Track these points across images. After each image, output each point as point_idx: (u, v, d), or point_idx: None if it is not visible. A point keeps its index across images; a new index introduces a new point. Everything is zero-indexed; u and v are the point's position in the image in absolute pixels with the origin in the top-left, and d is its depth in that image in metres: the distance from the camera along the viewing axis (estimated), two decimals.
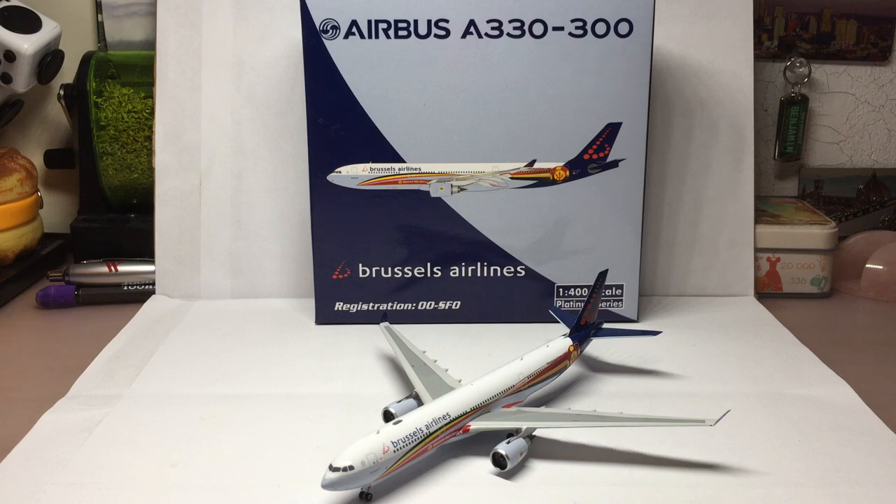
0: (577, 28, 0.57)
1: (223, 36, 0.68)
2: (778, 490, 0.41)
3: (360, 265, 0.61)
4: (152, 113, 0.71)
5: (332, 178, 0.59)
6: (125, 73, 0.75)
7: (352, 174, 0.59)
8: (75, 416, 0.48)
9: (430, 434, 0.41)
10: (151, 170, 0.71)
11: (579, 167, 0.59)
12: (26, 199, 0.72)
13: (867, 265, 0.72)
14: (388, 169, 0.59)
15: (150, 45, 0.72)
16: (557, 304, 0.62)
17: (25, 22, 0.70)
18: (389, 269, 0.61)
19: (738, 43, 0.70)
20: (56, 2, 0.77)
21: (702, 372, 0.55)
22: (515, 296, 0.62)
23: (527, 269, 0.62)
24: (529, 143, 0.59)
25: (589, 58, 0.58)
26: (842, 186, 0.83)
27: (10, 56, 0.69)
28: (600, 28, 0.57)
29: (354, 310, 0.62)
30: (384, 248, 0.61)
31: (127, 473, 0.42)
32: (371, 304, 0.62)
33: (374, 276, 0.61)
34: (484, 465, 0.43)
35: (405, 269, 0.61)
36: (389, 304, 0.62)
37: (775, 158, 0.82)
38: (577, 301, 0.62)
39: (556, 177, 0.59)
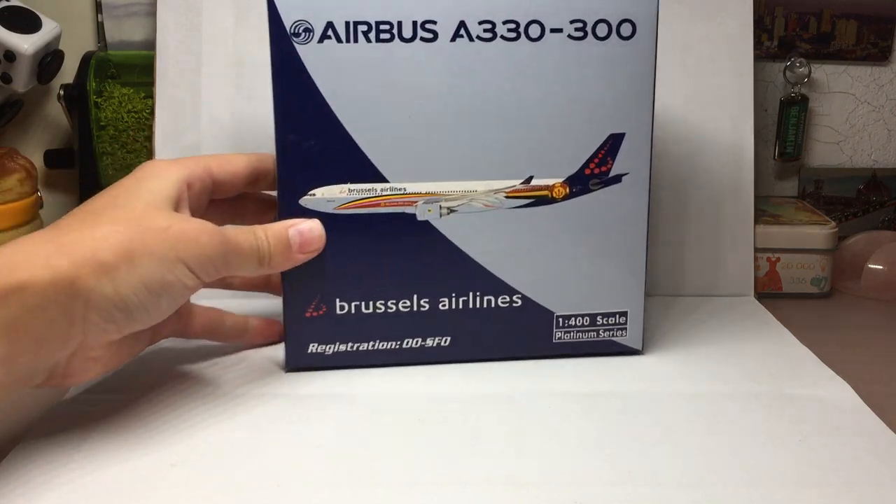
0: (576, 30, 0.53)
1: (223, 36, 0.68)
2: (778, 490, 0.41)
3: (338, 300, 0.54)
4: (152, 113, 0.71)
5: (306, 201, 0.52)
6: (125, 73, 0.75)
7: (328, 197, 0.52)
8: (75, 416, 0.48)
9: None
10: None
11: (580, 183, 0.54)
12: (26, 199, 0.72)
13: (867, 265, 0.72)
14: (369, 190, 0.53)
15: (150, 45, 0.72)
16: (558, 336, 0.57)
17: (25, 22, 0.70)
18: (371, 303, 0.54)
19: (738, 43, 0.70)
20: (56, 2, 0.77)
21: (702, 372, 0.55)
22: (512, 328, 0.56)
23: (524, 299, 0.56)
24: (526, 158, 0.54)
25: (590, 62, 0.53)
26: (842, 186, 0.83)
27: (10, 56, 0.69)
28: (601, 30, 0.53)
29: (331, 351, 0.55)
30: (365, 280, 0.54)
31: (127, 473, 0.42)
32: (350, 345, 0.55)
33: (353, 312, 0.54)
34: (484, 465, 0.43)
35: (388, 304, 0.54)
36: (371, 344, 0.55)
37: (775, 158, 0.82)
38: (578, 331, 0.57)
39: (555, 194, 0.54)
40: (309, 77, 0.51)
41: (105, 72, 0.74)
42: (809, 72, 0.79)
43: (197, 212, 0.50)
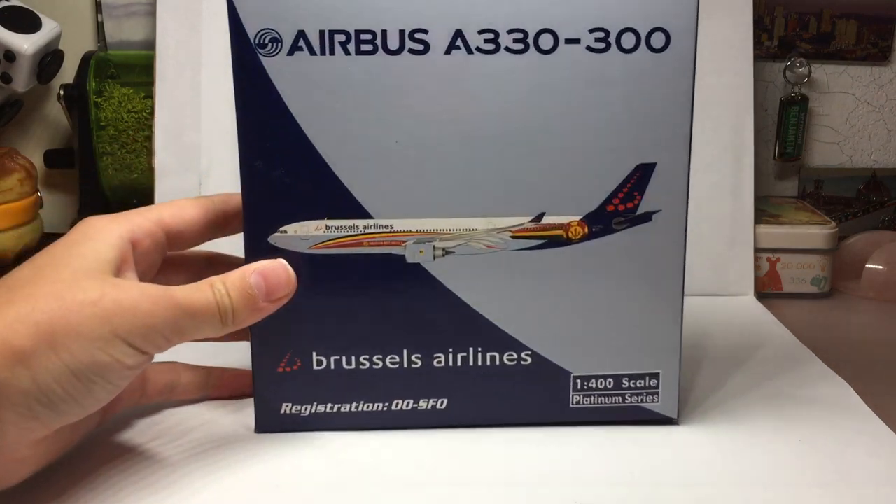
0: (597, 41, 0.44)
1: (223, 36, 0.68)
2: (778, 490, 0.41)
3: (314, 354, 0.46)
4: (152, 113, 0.71)
5: (275, 239, 0.44)
6: (125, 73, 0.75)
7: (301, 234, 0.45)
8: None
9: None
10: (151, 170, 0.71)
11: (601, 222, 0.46)
12: (26, 199, 0.72)
13: (867, 265, 0.73)
14: (349, 227, 0.45)
15: (150, 45, 0.72)
16: (575, 400, 0.48)
17: (25, 22, 0.70)
18: (353, 358, 0.46)
19: (738, 43, 0.70)
20: (56, 2, 0.77)
21: (702, 372, 0.55)
22: (519, 390, 0.47)
23: (534, 356, 0.47)
24: (536, 192, 0.46)
25: (613, 79, 0.45)
26: (842, 186, 0.83)
27: (10, 56, 0.69)
28: (628, 40, 0.44)
29: (307, 412, 0.47)
30: (346, 332, 0.46)
31: (127, 474, 0.42)
32: (329, 405, 0.47)
33: (332, 367, 0.46)
34: (484, 465, 0.43)
35: (374, 359, 0.46)
36: (353, 405, 0.47)
37: (775, 158, 0.82)
38: (600, 395, 0.48)
39: (570, 234, 0.46)
40: (277, 95, 0.43)
41: (105, 72, 0.74)
42: (809, 72, 0.79)
43: (147, 273, 0.43)
